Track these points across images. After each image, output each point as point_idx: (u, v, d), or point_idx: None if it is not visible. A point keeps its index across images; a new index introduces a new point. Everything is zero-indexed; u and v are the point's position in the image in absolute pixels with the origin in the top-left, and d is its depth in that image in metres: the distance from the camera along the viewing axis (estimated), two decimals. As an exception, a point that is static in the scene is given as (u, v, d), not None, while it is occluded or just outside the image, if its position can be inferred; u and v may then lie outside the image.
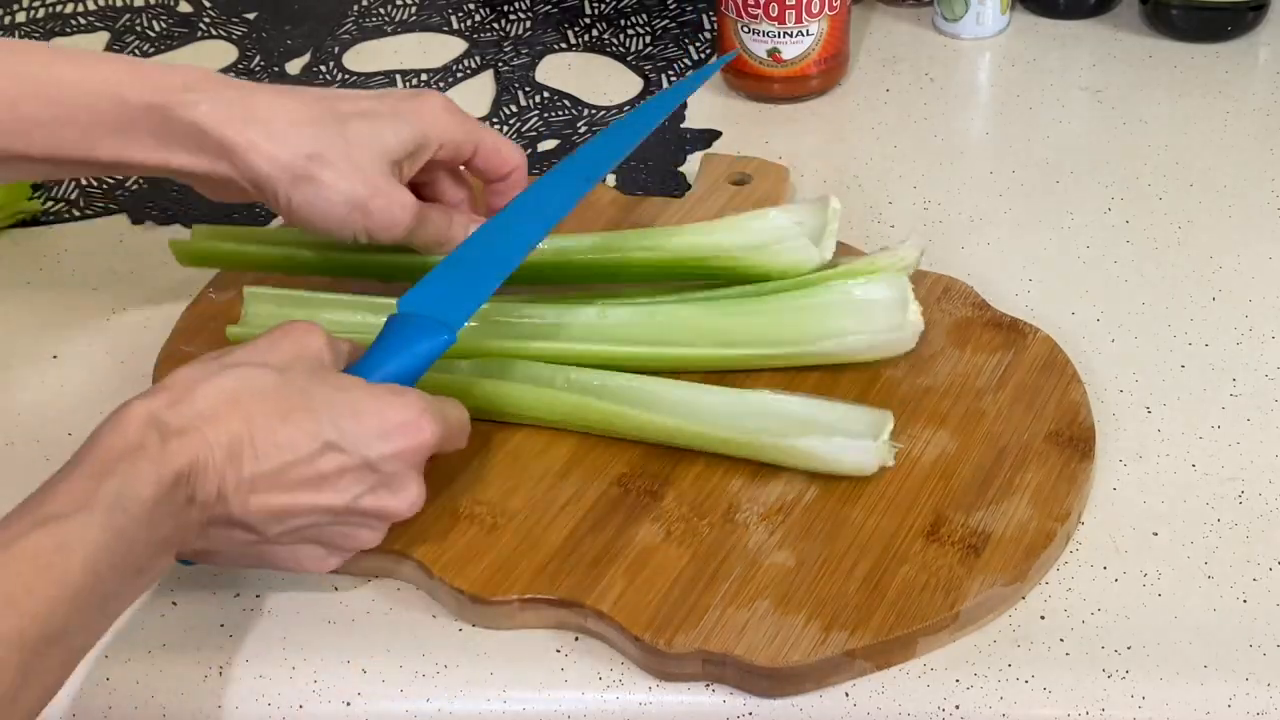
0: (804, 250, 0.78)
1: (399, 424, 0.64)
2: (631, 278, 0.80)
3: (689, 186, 0.96)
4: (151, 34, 1.16)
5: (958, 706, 0.65)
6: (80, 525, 0.55)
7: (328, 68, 1.11)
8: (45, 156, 0.71)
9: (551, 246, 0.80)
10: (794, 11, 1.00)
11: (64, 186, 0.99)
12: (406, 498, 0.65)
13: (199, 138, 0.71)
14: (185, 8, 1.19)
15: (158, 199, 0.98)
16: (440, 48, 1.13)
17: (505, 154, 0.79)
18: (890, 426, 0.72)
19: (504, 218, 0.76)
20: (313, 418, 0.62)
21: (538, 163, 0.99)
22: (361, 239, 0.74)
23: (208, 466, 0.60)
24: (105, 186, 0.99)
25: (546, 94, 1.07)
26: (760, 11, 1.00)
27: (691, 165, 0.98)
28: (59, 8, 1.19)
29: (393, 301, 0.72)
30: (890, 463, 0.72)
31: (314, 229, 0.74)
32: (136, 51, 1.14)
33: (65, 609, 0.54)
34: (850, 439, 0.71)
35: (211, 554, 0.65)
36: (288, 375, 0.63)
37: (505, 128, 1.03)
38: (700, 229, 0.81)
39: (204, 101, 0.71)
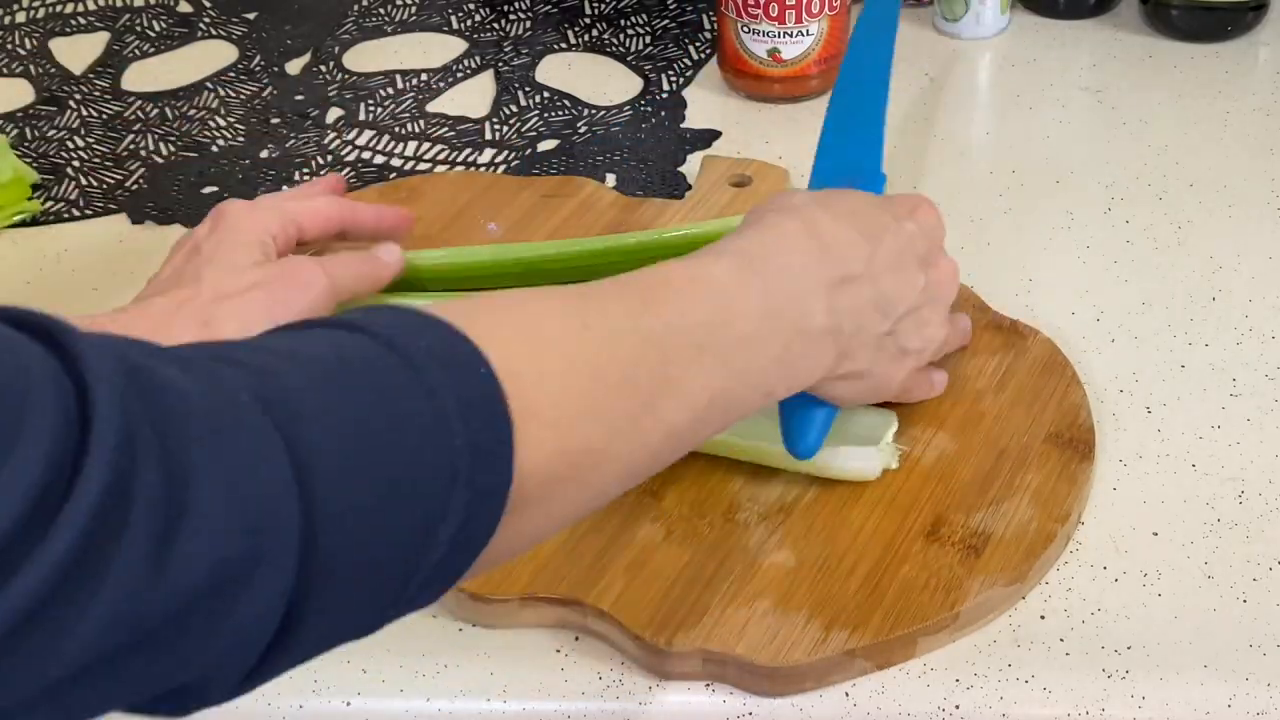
0: None
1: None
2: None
3: (689, 187, 0.96)
4: (151, 34, 1.16)
5: (958, 706, 0.65)
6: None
7: (328, 68, 1.11)
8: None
9: (594, 248, 0.80)
10: (794, 11, 1.00)
11: (64, 186, 0.99)
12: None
13: None
14: (185, 8, 1.19)
15: (158, 199, 0.98)
16: (440, 48, 1.13)
17: (379, 219, 0.81)
18: (893, 429, 0.72)
19: (840, 87, 0.82)
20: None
21: (538, 162, 1.00)
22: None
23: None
24: (105, 186, 0.99)
25: (546, 94, 1.07)
26: (760, 11, 1.00)
27: (691, 166, 0.98)
28: (59, 8, 1.19)
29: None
30: (895, 465, 0.72)
31: None
32: (137, 52, 1.14)
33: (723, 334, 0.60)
34: (854, 445, 0.71)
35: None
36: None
37: (505, 128, 1.03)
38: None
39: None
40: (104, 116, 1.06)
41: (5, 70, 1.12)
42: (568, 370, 0.53)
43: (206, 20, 1.17)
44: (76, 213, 0.97)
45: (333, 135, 1.04)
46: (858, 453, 0.71)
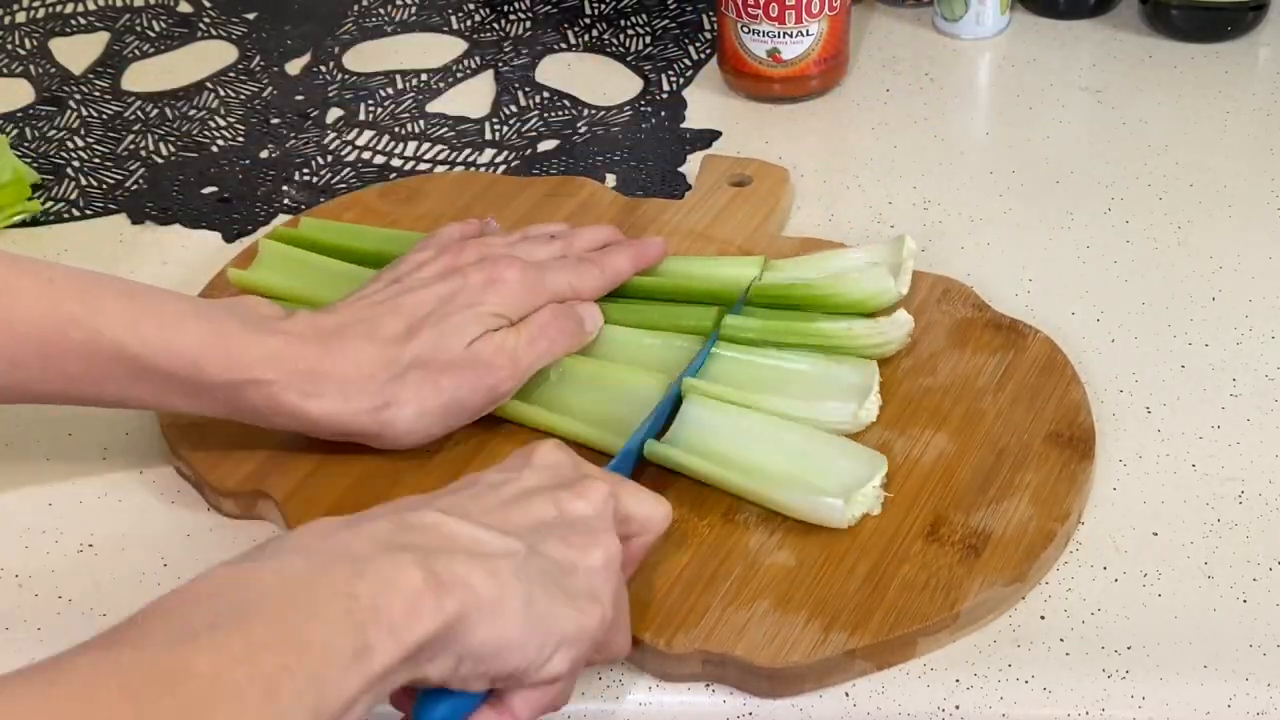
0: (882, 280, 0.79)
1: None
2: (697, 299, 0.81)
3: (689, 187, 0.96)
4: (151, 34, 1.16)
5: (958, 706, 0.65)
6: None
7: (328, 68, 1.11)
8: (113, 402, 0.71)
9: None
10: (794, 11, 1.00)
11: (64, 186, 0.99)
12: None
13: (271, 411, 0.71)
14: (185, 8, 1.19)
15: (158, 199, 0.98)
16: (440, 48, 1.13)
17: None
18: (882, 474, 0.71)
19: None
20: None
21: (538, 162, 1.00)
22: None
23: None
24: (105, 186, 0.99)
25: (546, 94, 1.07)
26: (760, 12, 1.00)
27: (691, 166, 0.98)
28: (59, 8, 1.19)
29: None
30: (876, 511, 0.70)
31: None
32: (137, 52, 1.14)
33: None
34: (830, 497, 0.69)
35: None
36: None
37: (505, 128, 1.03)
38: (782, 264, 0.82)
39: (277, 383, 0.70)
40: (104, 116, 1.06)
41: (5, 70, 1.12)
42: None
43: (206, 20, 1.17)
44: (76, 213, 0.97)
45: (333, 135, 1.04)
46: (824, 503, 0.69)
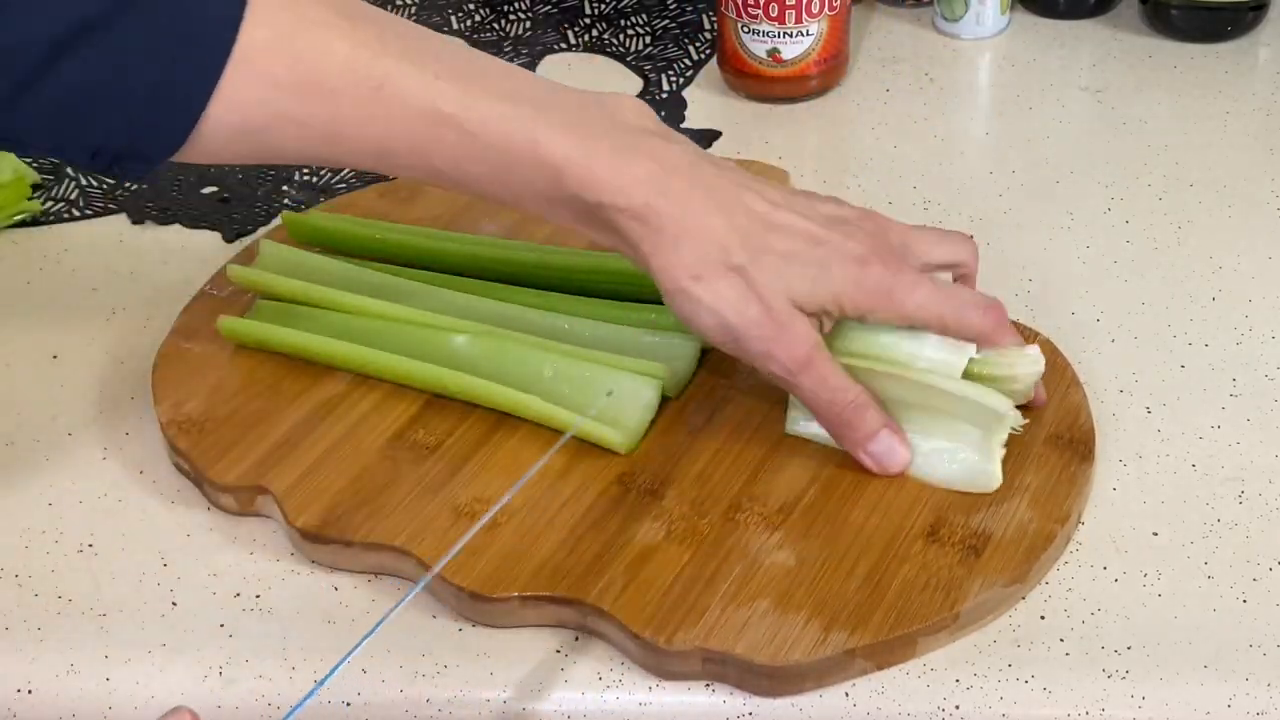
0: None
1: None
2: None
3: (689, 186, 0.95)
4: (151, 34, 1.16)
5: (958, 706, 0.65)
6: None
7: (328, 68, 1.11)
8: (492, 197, 0.70)
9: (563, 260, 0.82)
10: (794, 11, 1.00)
11: (64, 186, 0.99)
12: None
13: (619, 238, 0.69)
14: (185, 7, 1.19)
15: (157, 199, 0.98)
16: (440, 48, 1.13)
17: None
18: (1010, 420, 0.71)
19: None
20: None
21: (538, 163, 0.99)
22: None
23: None
24: (105, 186, 0.99)
25: (546, 94, 1.07)
26: (760, 12, 1.00)
27: (691, 165, 0.98)
28: (59, 7, 1.19)
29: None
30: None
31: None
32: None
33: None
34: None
35: None
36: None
37: (505, 128, 1.03)
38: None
39: (634, 216, 0.68)
40: (104, 116, 1.06)
41: (5, 70, 1.12)
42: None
43: (206, 20, 1.17)
44: (76, 213, 0.97)
45: (333, 135, 1.03)
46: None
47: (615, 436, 0.73)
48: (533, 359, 0.77)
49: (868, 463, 0.72)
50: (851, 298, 0.70)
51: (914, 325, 0.71)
